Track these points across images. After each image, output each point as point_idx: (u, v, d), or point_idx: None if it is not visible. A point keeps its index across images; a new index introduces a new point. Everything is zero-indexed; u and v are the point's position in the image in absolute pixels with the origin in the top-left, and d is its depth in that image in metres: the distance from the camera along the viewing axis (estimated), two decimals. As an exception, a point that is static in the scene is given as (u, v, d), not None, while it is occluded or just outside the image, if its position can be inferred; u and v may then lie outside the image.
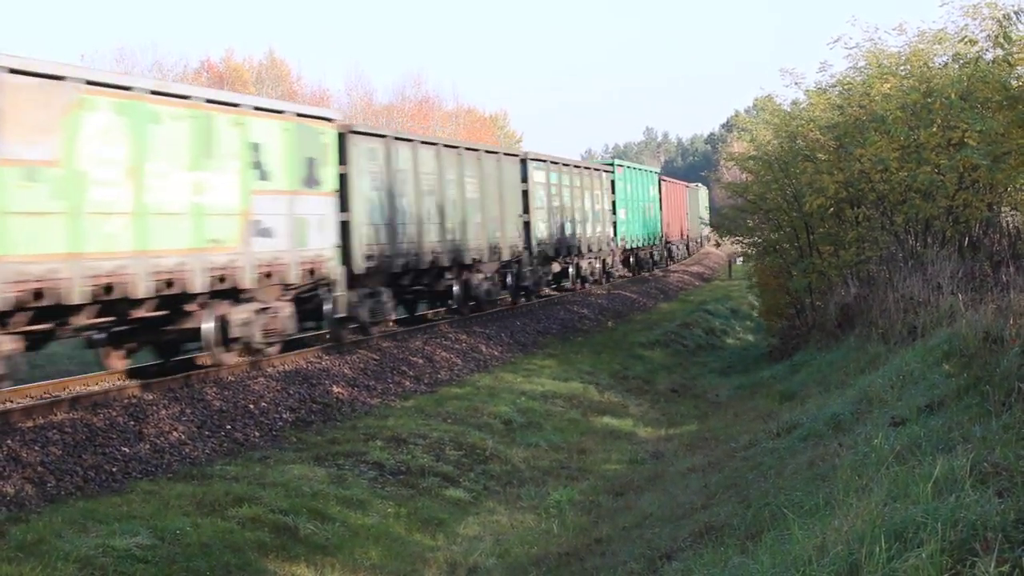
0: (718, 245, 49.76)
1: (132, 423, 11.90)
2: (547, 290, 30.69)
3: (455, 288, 22.40)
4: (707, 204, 67.75)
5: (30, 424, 11.33)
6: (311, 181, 16.47)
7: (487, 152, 24.46)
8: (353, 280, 17.83)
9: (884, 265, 16.95)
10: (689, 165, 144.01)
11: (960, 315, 10.42)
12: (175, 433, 12.00)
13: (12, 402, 12.45)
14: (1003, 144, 15.17)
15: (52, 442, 10.82)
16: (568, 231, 30.11)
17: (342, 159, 17.67)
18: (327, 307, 17.17)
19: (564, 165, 30.39)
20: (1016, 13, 13.89)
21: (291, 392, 14.45)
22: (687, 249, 58.57)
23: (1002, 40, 13.94)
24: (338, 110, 62.98)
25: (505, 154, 25.78)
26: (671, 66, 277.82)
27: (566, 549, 9.71)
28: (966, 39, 15.58)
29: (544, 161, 28.57)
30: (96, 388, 13.52)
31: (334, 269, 17.03)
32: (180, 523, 9.00)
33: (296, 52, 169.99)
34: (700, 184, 69.85)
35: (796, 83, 23.72)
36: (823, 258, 20.58)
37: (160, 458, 11.26)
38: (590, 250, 32.44)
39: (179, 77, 57.35)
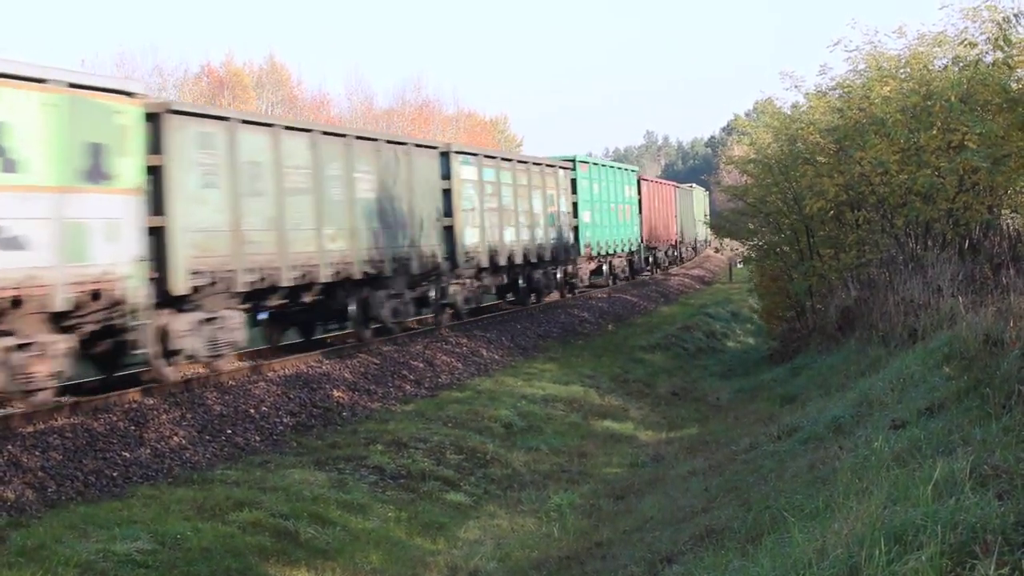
0: (717, 250, 49.40)
1: (133, 428, 11.91)
2: (502, 303, 28.16)
3: (351, 308, 18.36)
4: (705, 207, 64.18)
5: (31, 429, 11.32)
6: (96, 174, 12.49)
7: (390, 143, 19.90)
8: (178, 302, 14.05)
9: (884, 268, 16.94)
10: (690, 168, 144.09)
11: (960, 318, 10.44)
12: (176, 438, 12.01)
13: (12, 407, 12.44)
14: (1003, 147, 15.18)
15: (53, 447, 10.83)
16: (510, 237, 25.39)
17: (156, 147, 13.76)
18: (139, 338, 13.20)
19: (504, 160, 25.85)
20: (1016, 15, 13.91)
21: (292, 396, 14.45)
22: (679, 255, 53.64)
23: (1002, 43, 13.95)
24: (338, 115, 63.38)
25: (417, 146, 20.99)
26: (671, 69, 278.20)
27: (567, 553, 9.71)
28: (966, 42, 15.61)
29: (475, 155, 24.09)
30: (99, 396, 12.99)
31: (135, 290, 12.89)
32: (181, 528, 9.00)
33: (296, 56, 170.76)
34: (695, 185, 65.49)
35: (796, 86, 23.69)
36: (823, 261, 20.58)
37: (161, 463, 11.27)
38: (542, 259, 27.88)
39: (179, 81, 57.45)
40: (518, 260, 25.89)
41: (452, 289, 22.18)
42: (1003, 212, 17.85)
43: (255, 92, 61.43)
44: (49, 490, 9.95)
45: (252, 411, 13.52)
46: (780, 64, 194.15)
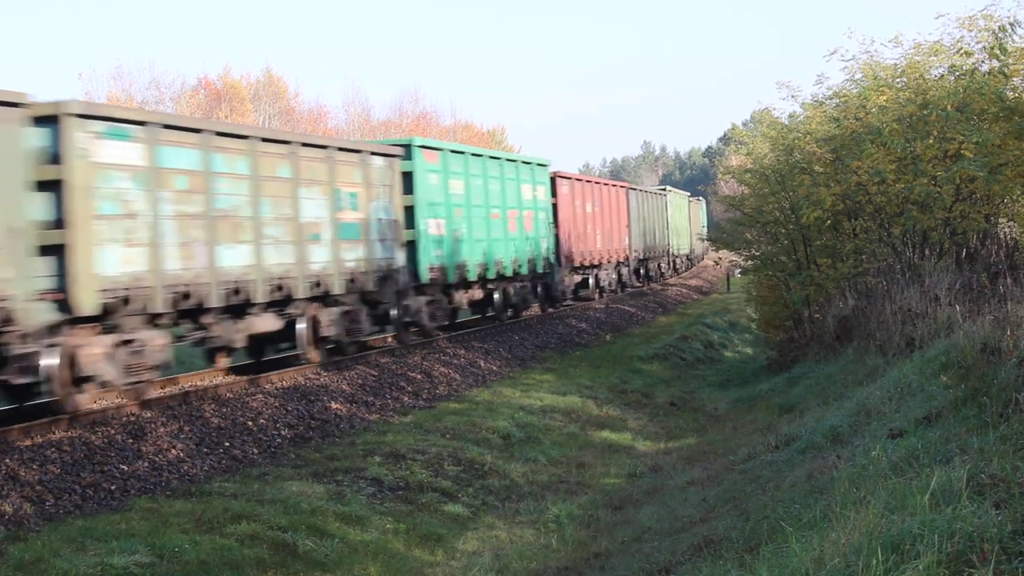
0: (717, 263, 48.93)
1: (130, 441, 11.90)
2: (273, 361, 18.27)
3: None
4: (689, 214, 58.72)
5: (28, 443, 11.32)
6: None
7: None
8: None
9: (882, 277, 16.97)
10: (688, 178, 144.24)
11: (958, 327, 10.47)
12: (173, 450, 12.00)
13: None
14: (999, 155, 15.25)
15: (50, 460, 10.82)
16: (243, 261, 15.29)
17: None
18: None
19: (231, 137, 15.62)
20: (1011, 24, 13.99)
21: (289, 409, 14.44)
22: (640, 275, 42.58)
23: (997, 51, 14.03)
24: (335, 127, 63.44)
25: None
26: (669, 76, 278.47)
27: (565, 564, 9.71)
28: (962, 51, 15.69)
29: (142, 124, 13.72)
30: (95, 406, 12.89)
31: None
32: (179, 540, 8.99)
33: (293, 69, 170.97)
34: (670, 188, 55.46)
35: (792, 96, 23.86)
36: (821, 270, 20.59)
37: (158, 475, 11.25)
38: (327, 292, 17.45)
39: (176, 95, 57.53)
40: (259, 297, 15.63)
41: (86, 352, 12.59)
42: (1000, 221, 17.89)
43: (252, 105, 61.46)
44: (47, 503, 9.94)
45: (250, 423, 13.51)
46: (779, 71, 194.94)
